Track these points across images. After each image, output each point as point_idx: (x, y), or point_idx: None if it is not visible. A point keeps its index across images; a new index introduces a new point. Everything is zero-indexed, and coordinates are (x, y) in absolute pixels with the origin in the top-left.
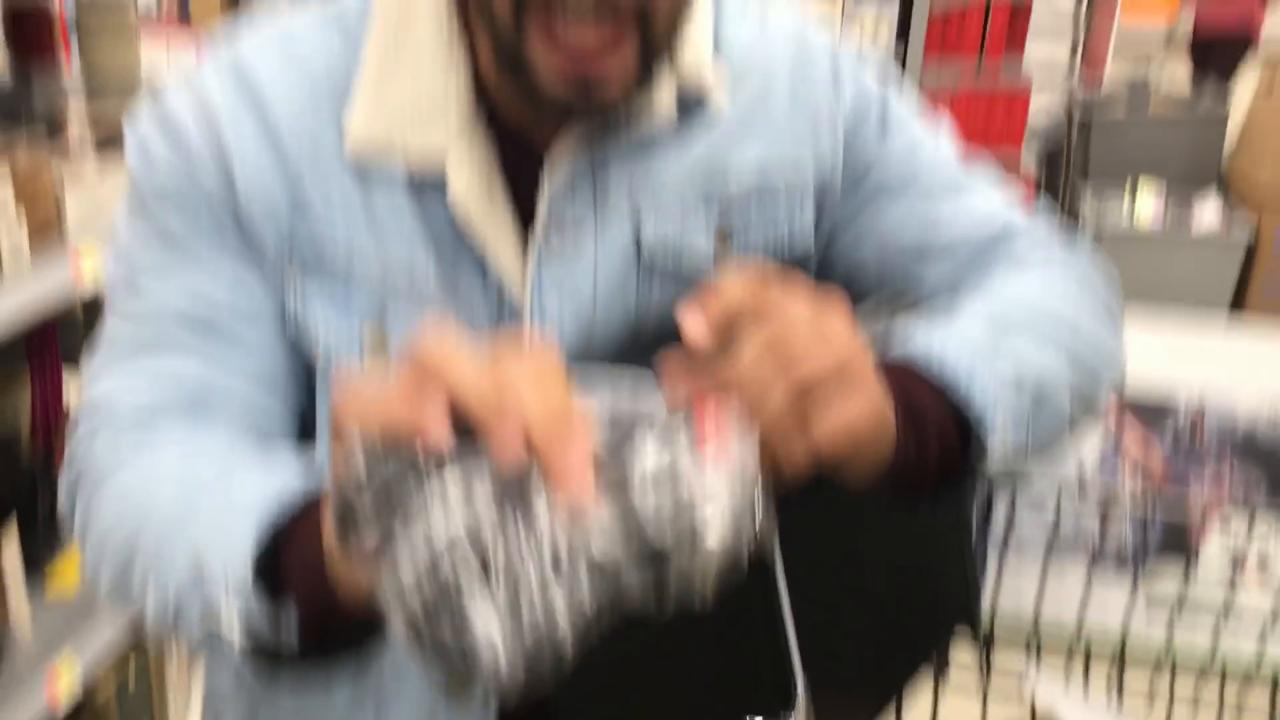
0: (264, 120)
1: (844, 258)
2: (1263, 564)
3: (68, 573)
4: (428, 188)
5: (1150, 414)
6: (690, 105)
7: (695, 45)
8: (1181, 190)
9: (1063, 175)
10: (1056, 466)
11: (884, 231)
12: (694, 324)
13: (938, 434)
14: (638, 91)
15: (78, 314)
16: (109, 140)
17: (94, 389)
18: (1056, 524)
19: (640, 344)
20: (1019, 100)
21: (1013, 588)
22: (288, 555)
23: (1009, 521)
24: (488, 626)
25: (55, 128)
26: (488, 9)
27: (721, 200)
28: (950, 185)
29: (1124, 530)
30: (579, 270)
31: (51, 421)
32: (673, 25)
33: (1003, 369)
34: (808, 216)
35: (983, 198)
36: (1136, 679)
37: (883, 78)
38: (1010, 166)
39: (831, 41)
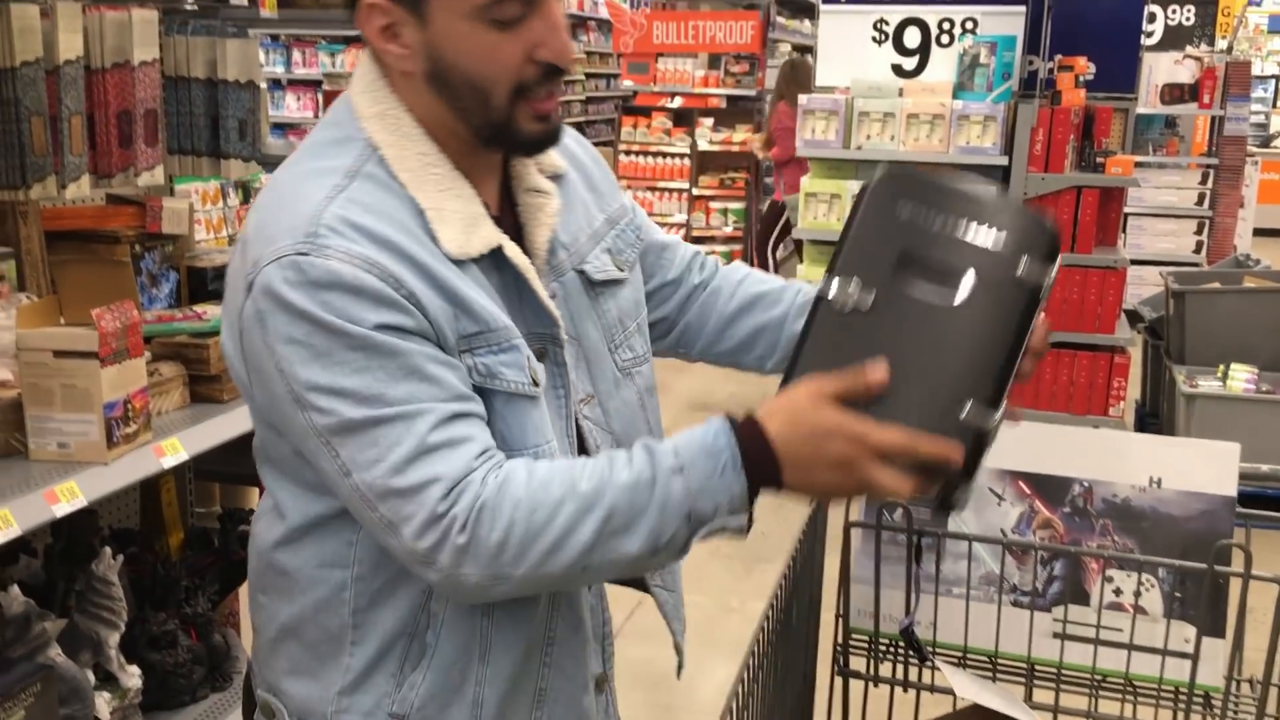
0: (399, 254)
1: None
2: (1135, 605)
3: None
4: (488, 265)
5: (1054, 489)
6: (559, 181)
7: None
8: (1274, 372)
9: (1161, 355)
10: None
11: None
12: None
13: None
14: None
15: None
16: None
17: (424, 471)
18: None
19: None
20: (1112, 283)
21: (946, 619)
22: (750, 458)
23: (938, 568)
24: None
25: None
26: (484, 102)
27: (599, 237)
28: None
29: (1033, 575)
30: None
31: None
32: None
33: None
34: (633, 234)
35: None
36: (1039, 693)
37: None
38: (1104, 346)
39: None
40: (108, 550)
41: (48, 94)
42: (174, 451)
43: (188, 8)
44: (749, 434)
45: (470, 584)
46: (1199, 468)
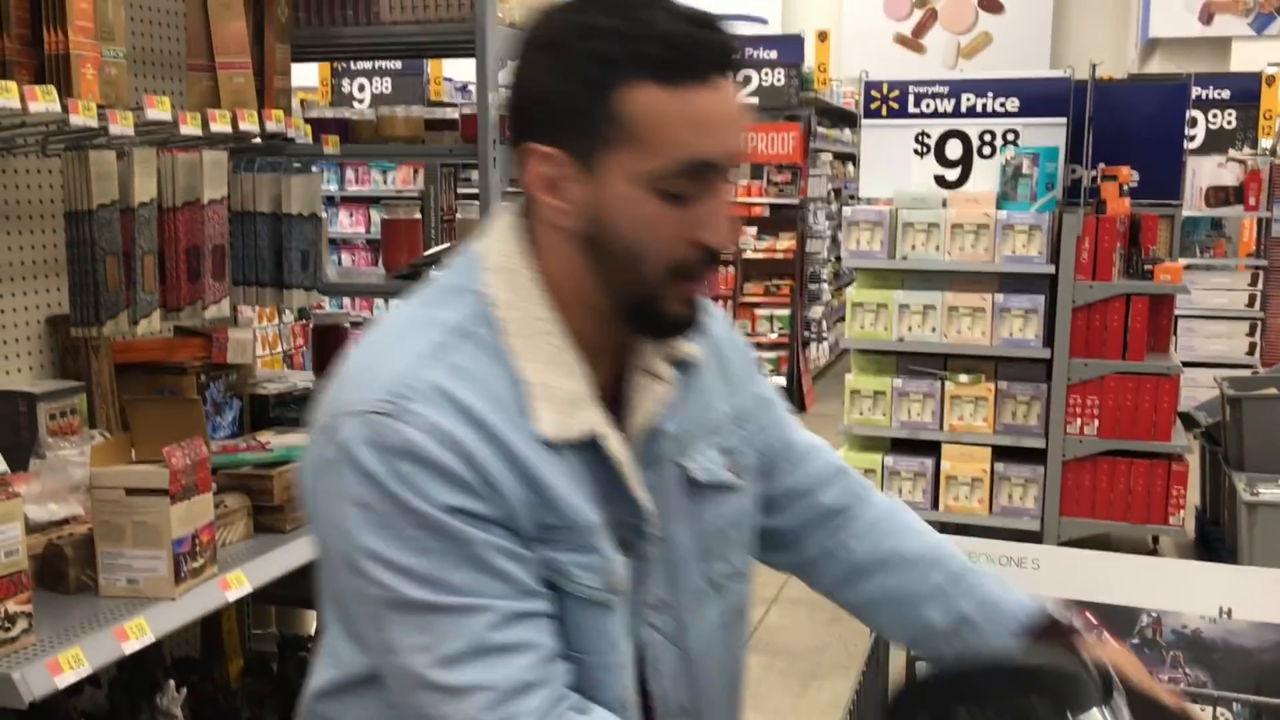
0: (487, 435)
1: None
2: None
3: None
4: (584, 449)
5: (1122, 619)
6: (686, 368)
7: None
8: None
9: (1220, 461)
10: None
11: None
12: None
13: None
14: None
15: None
16: None
17: (473, 675)
18: None
19: None
20: (1166, 390)
21: None
22: None
23: None
24: None
25: None
26: (637, 274)
27: (716, 430)
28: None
29: None
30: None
31: None
32: None
33: None
34: (761, 435)
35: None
36: None
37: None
38: (1161, 454)
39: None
40: (172, 683)
41: (122, 234)
42: (239, 584)
43: (255, 145)
44: None
45: None
46: (1270, 597)
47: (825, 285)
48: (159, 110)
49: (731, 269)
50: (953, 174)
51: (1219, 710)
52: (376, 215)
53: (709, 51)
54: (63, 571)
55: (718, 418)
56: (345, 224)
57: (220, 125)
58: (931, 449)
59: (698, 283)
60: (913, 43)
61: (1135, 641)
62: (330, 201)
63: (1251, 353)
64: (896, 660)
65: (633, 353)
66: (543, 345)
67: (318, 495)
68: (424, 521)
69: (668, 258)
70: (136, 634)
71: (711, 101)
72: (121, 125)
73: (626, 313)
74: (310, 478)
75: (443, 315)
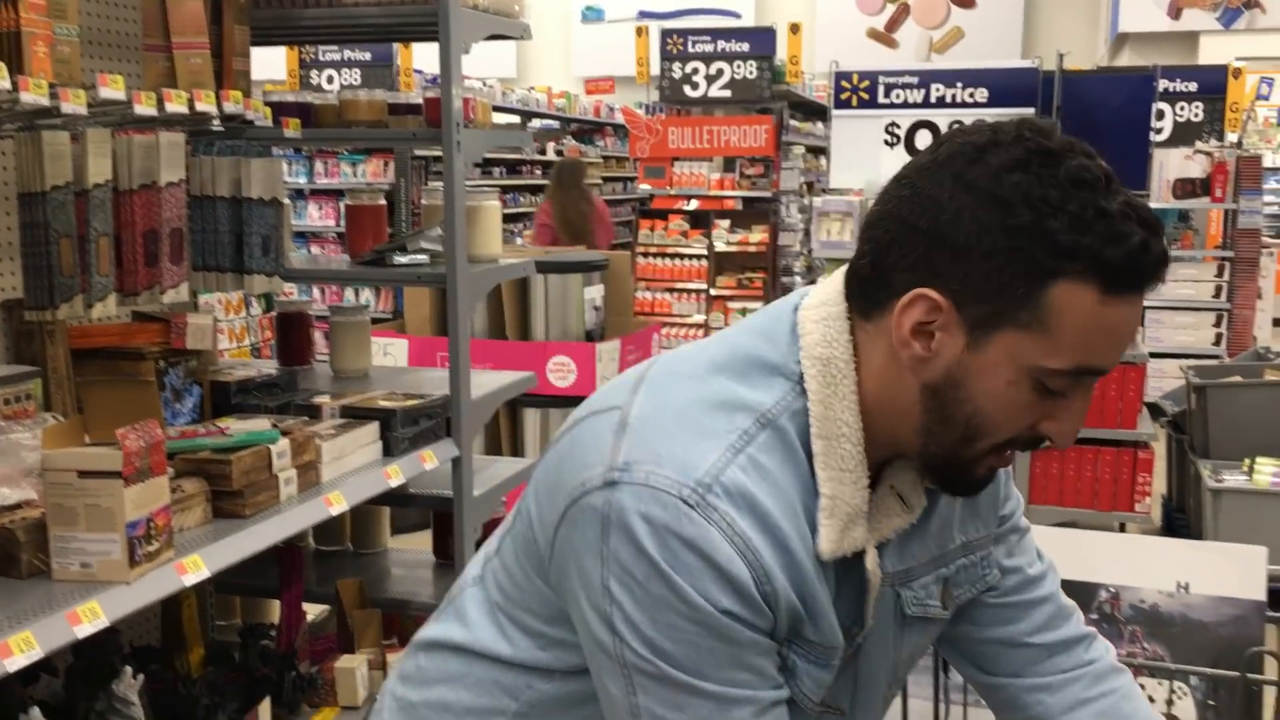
0: (779, 546)
1: None
2: (1168, 714)
3: None
4: (841, 565)
5: (1081, 595)
6: (930, 494)
7: None
8: None
9: (1185, 449)
10: None
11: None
12: None
13: None
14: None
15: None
16: (349, 412)
17: None
18: None
19: None
20: (1133, 379)
21: None
22: None
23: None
24: None
25: (313, 407)
26: (966, 443)
27: (943, 562)
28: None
29: None
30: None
31: (294, 622)
32: None
33: None
34: (984, 573)
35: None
36: None
37: None
38: (1127, 442)
39: None
40: (128, 670)
41: (77, 216)
42: (196, 569)
43: (214, 129)
44: None
45: None
46: (1226, 572)
47: (798, 278)
48: (113, 89)
49: (705, 262)
50: None
51: (1176, 684)
52: None
53: (1155, 267)
54: (15, 555)
55: (950, 547)
56: (314, 216)
57: (176, 106)
58: None
59: (1011, 458)
60: (885, 37)
61: (1094, 617)
62: (299, 194)
63: (1218, 344)
64: None
65: (891, 469)
66: (840, 450)
67: (567, 529)
68: (696, 617)
69: (1005, 438)
70: (89, 618)
71: (1131, 314)
72: (74, 104)
73: (932, 463)
74: (564, 502)
75: (752, 398)
